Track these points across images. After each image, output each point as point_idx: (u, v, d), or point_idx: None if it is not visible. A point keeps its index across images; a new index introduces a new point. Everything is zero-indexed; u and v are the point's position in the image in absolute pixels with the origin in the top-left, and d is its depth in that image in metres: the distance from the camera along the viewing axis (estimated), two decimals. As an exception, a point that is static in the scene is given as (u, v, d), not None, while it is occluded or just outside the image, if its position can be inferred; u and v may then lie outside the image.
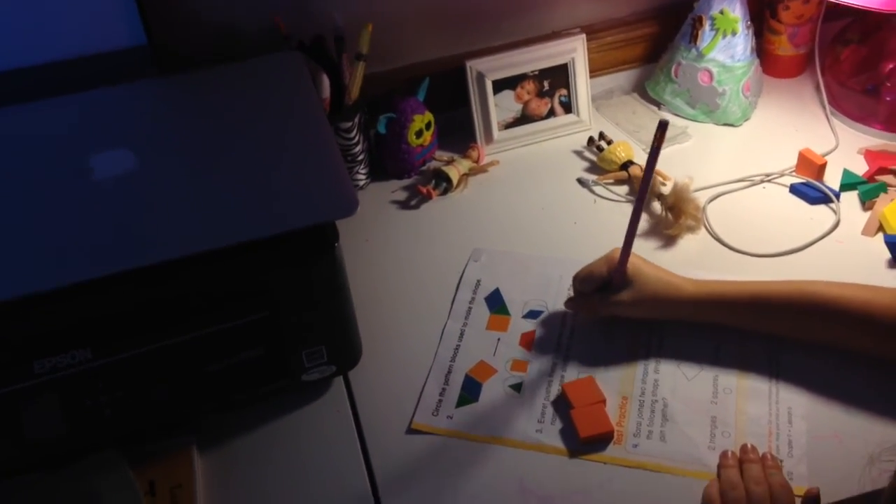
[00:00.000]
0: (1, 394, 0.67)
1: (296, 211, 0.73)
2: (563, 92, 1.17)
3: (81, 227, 0.71)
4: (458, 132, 1.17)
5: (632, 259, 0.85)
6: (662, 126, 0.75)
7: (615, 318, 0.88)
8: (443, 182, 1.10)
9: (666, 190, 1.04)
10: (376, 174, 1.14)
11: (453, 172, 1.10)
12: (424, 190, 1.09)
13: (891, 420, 0.78)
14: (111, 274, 0.67)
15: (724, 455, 0.76)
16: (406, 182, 1.13)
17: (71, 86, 0.89)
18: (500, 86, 1.14)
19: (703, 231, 1.01)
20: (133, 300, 0.70)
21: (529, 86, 1.15)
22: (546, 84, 1.16)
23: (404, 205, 1.10)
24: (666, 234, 1.00)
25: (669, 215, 1.01)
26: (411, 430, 0.81)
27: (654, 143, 0.76)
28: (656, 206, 1.04)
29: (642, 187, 0.80)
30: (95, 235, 0.71)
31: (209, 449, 0.80)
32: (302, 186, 0.76)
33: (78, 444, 0.73)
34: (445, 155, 1.15)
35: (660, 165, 1.09)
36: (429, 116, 1.12)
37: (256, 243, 0.71)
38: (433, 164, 1.15)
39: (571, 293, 0.92)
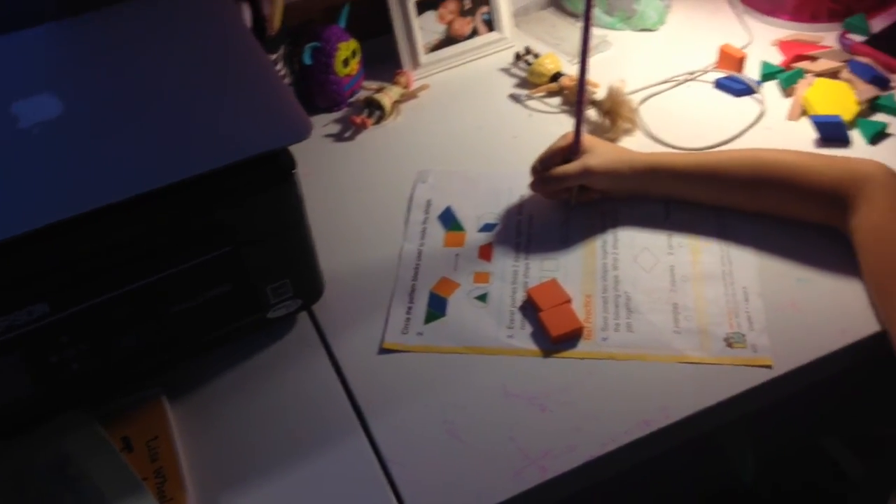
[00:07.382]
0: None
1: (248, 138, 0.70)
2: (485, 9, 1.16)
3: (19, 177, 0.67)
4: (382, 61, 1.15)
5: (586, 136, 0.90)
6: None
7: (576, 199, 0.92)
8: (376, 110, 1.08)
9: (599, 96, 1.05)
10: (304, 109, 1.10)
11: (385, 100, 1.08)
12: (359, 120, 1.07)
13: (842, 277, 0.83)
14: (58, 222, 0.63)
15: None
16: (337, 115, 1.11)
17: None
18: (422, 7, 1.12)
19: (638, 132, 1.04)
20: (85, 247, 0.66)
21: (452, 5, 1.14)
22: (468, 2, 1.14)
23: (339, 137, 1.08)
24: (605, 138, 1.02)
25: (606, 120, 1.03)
26: (383, 351, 0.81)
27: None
28: (592, 113, 1.05)
29: (582, 58, 0.85)
30: (36, 184, 0.66)
31: (179, 398, 0.78)
32: (249, 114, 0.73)
33: (47, 406, 0.69)
34: (374, 84, 1.13)
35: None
36: (354, 44, 1.10)
37: (210, 177, 0.68)
38: (362, 94, 1.12)
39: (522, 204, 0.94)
